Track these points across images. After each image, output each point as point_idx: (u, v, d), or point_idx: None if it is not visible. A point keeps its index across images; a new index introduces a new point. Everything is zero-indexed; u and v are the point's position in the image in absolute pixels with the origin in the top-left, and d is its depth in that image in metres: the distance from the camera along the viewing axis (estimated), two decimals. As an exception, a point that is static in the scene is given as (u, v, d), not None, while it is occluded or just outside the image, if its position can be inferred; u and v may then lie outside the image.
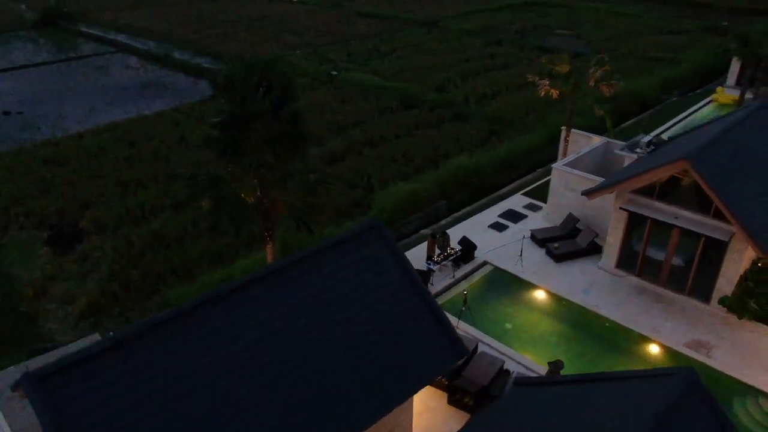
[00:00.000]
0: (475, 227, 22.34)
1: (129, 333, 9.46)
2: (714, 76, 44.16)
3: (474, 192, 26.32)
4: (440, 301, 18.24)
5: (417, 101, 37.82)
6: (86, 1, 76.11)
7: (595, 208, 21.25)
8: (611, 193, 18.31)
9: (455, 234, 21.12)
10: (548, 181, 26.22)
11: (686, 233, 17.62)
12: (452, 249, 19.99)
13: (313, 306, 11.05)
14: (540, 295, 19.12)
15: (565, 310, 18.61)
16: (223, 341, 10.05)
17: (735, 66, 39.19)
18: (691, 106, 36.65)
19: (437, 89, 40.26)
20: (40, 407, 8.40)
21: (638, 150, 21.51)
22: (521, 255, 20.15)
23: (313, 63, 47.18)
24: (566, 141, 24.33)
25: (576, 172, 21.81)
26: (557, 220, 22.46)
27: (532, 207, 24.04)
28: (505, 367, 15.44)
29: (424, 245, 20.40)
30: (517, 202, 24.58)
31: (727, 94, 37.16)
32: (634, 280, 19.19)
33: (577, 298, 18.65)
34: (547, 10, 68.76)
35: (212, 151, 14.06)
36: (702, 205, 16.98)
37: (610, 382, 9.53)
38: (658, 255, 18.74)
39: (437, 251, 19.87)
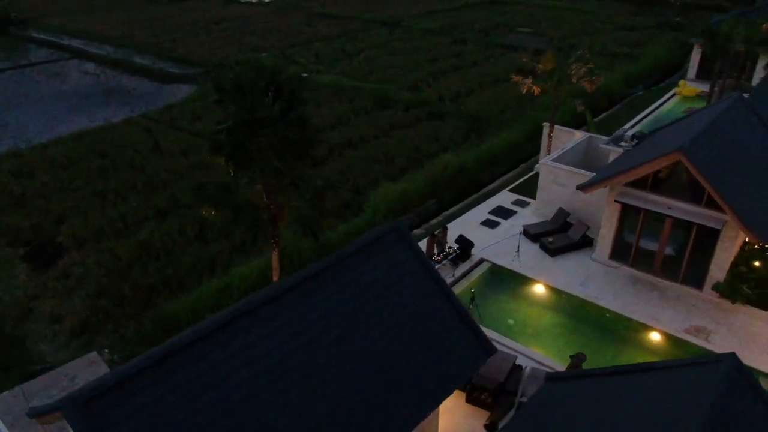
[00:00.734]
0: (467, 225, 22.48)
1: (165, 351, 9.09)
2: (673, 70, 45.88)
3: (461, 190, 26.50)
4: (444, 300, 18.27)
5: (391, 101, 37.86)
6: (35, 7, 73.05)
7: (584, 201, 21.72)
8: (606, 186, 18.71)
9: (451, 233, 21.21)
10: (532, 177, 26.75)
11: (678, 223, 18.21)
12: (450, 247, 20.08)
13: (343, 313, 10.89)
14: (539, 289, 19.41)
15: (564, 302, 18.95)
16: (259, 354, 9.78)
17: (695, 60, 40.82)
18: (656, 99, 37.96)
19: (410, 89, 40.38)
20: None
21: (623, 144, 22.09)
22: (518, 251, 20.41)
23: (281, 65, 46.56)
24: (550, 137, 24.77)
25: (564, 167, 22.25)
26: (547, 215, 22.85)
27: (520, 203, 24.38)
28: (516, 362, 15.61)
29: (421, 245, 20.42)
30: (504, 198, 24.88)
31: (689, 87, 38.68)
32: (628, 270, 19.70)
33: (576, 291, 19.02)
34: (505, 8, 69.94)
35: (219, 157, 13.65)
36: (694, 195, 17.57)
37: (650, 372, 9.73)
38: (650, 245, 19.29)
39: (435, 250, 19.93)
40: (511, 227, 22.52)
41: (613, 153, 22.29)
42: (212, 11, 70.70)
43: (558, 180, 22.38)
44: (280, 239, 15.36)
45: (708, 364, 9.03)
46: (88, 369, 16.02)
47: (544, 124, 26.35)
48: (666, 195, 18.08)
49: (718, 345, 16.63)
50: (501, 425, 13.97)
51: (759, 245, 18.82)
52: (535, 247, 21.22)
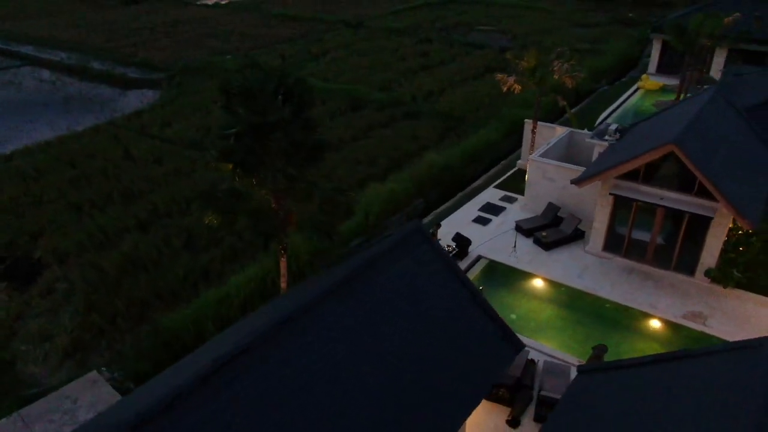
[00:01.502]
0: (459, 223, 22.60)
1: (211, 367, 8.74)
2: (633, 65, 47.39)
3: (447, 188, 26.63)
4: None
5: (364, 102, 37.72)
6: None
7: (574, 195, 22.18)
8: (601, 179, 19.13)
9: (444, 231, 21.30)
10: (515, 173, 27.17)
11: (670, 213, 18.80)
12: (449, 246, 20.14)
13: (379, 317, 10.77)
14: (538, 283, 19.70)
15: (564, 295, 19.29)
16: (303, 363, 9.55)
17: (655, 54, 42.33)
18: (621, 93, 39.14)
19: (381, 89, 40.33)
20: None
21: (607, 137, 22.65)
22: (515, 246, 20.66)
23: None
24: (533, 133, 25.17)
25: (553, 162, 22.65)
26: (536, 209, 23.20)
27: (507, 199, 24.68)
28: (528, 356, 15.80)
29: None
30: (491, 195, 25.14)
31: (651, 80, 40.06)
32: (621, 261, 20.21)
33: (574, 283, 19.39)
34: (464, 7, 70.64)
35: (226, 164, 13.26)
36: (685, 185, 18.16)
37: (687, 360, 9.98)
38: (643, 236, 19.84)
39: (435, 250, 19.95)
40: (502, 223, 22.79)
41: (598, 147, 22.85)
42: (167, 14, 68.83)
43: (546, 175, 22.76)
44: (288, 245, 15.05)
45: (746, 349, 9.30)
46: (91, 389, 15.41)
47: (526, 120, 26.75)
48: (658, 186, 18.63)
49: (716, 328, 17.25)
50: (522, 419, 14.17)
51: (743, 231, 19.65)
52: (529, 242, 21.52)
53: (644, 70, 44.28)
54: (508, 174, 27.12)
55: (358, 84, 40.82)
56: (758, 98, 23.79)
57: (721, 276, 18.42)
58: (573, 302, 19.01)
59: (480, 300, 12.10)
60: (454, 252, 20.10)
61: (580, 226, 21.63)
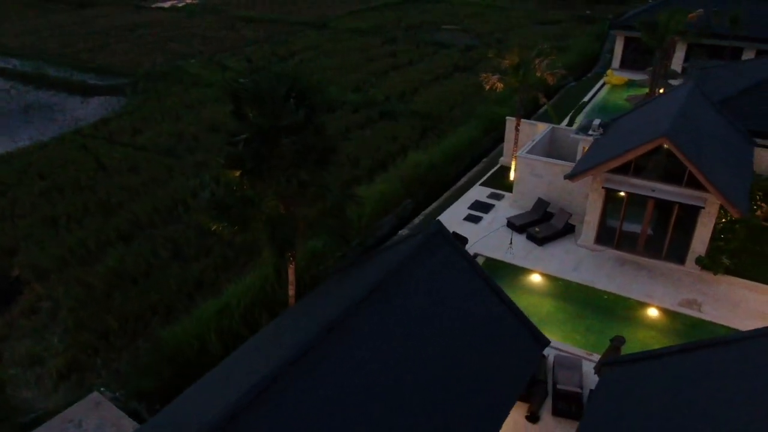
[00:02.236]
0: (450, 222, 22.59)
1: (263, 382, 8.45)
2: (596, 61, 48.62)
3: (432, 188, 26.69)
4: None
5: (338, 103, 37.44)
6: None
7: (561, 190, 22.60)
8: (594, 174, 19.51)
9: (439, 231, 21.35)
10: (499, 170, 27.48)
11: (660, 204, 19.34)
12: (447, 246, 20.17)
13: (414, 322, 10.68)
14: (536, 278, 19.95)
15: (562, 289, 19.60)
16: (348, 370, 9.38)
17: (618, 50, 43.55)
18: (588, 89, 40.16)
19: (354, 90, 40.14)
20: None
21: (591, 132, 23.13)
22: (511, 243, 20.87)
23: (215, 72, 44.80)
24: (517, 130, 25.48)
25: (540, 158, 23.01)
26: (525, 206, 23.50)
27: (495, 196, 24.92)
28: (537, 351, 15.96)
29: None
30: (478, 193, 25.34)
31: (616, 76, 41.22)
32: (613, 252, 20.68)
33: (571, 276, 19.73)
34: (426, 6, 71.13)
35: (235, 171, 12.91)
36: (675, 176, 18.71)
37: (718, 347, 10.25)
38: (633, 227, 20.36)
39: (433, 250, 19.97)
40: (493, 220, 23.01)
41: (583, 142, 23.31)
42: (122, 18, 66.72)
43: (534, 171, 23.09)
44: (296, 252, 14.77)
45: (774, 334, 9.61)
46: (95, 411, 14.81)
47: (508, 118, 27.08)
48: (648, 178, 19.13)
49: (711, 314, 17.85)
50: (540, 413, 14.30)
51: (727, 219, 20.38)
52: (522, 238, 21.78)
53: (606, 66, 45.56)
54: (492, 171, 27.39)
55: (330, 85, 40.48)
56: (728, 91, 24.75)
57: (711, 263, 19.06)
58: (571, 295, 19.32)
59: (505, 298, 12.15)
60: (451, 251, 20.12)
61: (570, 221, 22.00)
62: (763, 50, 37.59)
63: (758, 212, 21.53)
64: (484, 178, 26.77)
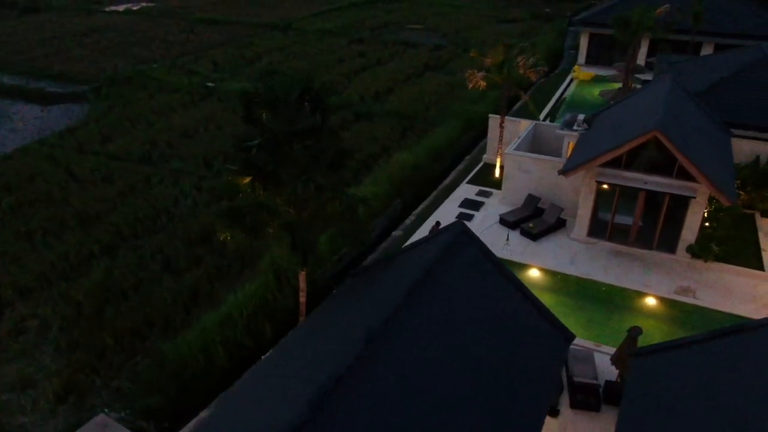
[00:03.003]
0: (443, 221, 22.54)
1: (317, 397, 8.19)
2: (560, 57, 49.69)
3: (419, 188, 26.69)
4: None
5: (313, 105, 37.00)
6: None
7: (550, 186, 22.93)
8: (587, 168, 19.85)
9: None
10: (483, 168, 27.69)
11: (651, 195, 19.84)
12: (445, 245, 20.18)
13: (449, 326, 10.60)
14: (534, 273, 20.17)
15: (561, 282, 19.87)
16: (396, 378, 9.21)
17: (583, 46, 44.60)
18: (558, 85, 40.97)
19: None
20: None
21: (576, 127, 23.56)
22: (507, 239, 21.04)
23: (180, 76, 43.68)
24: (501, 127, 25.72)
25: (529, 155, 23.30)
26: (514, 202, 23.73)
27: (483, 194, 25.10)
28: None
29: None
30: (466, 191, 25.46)
31: (584, 71, 42.21)
32: (606, 245, 21.11)
33: (568, 270, 20.04)
34: (389, 6, 71.23)
35: (249, 176, 12.55)
36: (665, 168, 19.22)
37: (745, 333, 10.55)
38: (624, 219, 20.83)
39: (432, 249, 19.95)
40: (485, 218, 23.16)
41: (568, 137, 23.71)
42: (75, 23, 64.18)
43: (523, 167, 23.35)
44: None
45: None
46: (103, 434, 14.05)
47: (491, 115, 27.33)
48: (639, 171, 19.59)
49: (706, 300, 18.44)
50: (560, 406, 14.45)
51: (711, 208, 21.11)
52: (516, 233, 21.99)
53: (571, 62, 46.64)
54: (477, 169, 27.58)
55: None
56: (701, 84, 25.63)
57: (701, 251, 19.67)
58: (570, 288, 19.61)
59: (530, 295, 12.20)
60: (450, 250, 20.14)
61: (561, 215, 22.34)
62: (720, 44, 39.21)
63: (738, 200, 22.34)
64: (470, 175, 26.92)
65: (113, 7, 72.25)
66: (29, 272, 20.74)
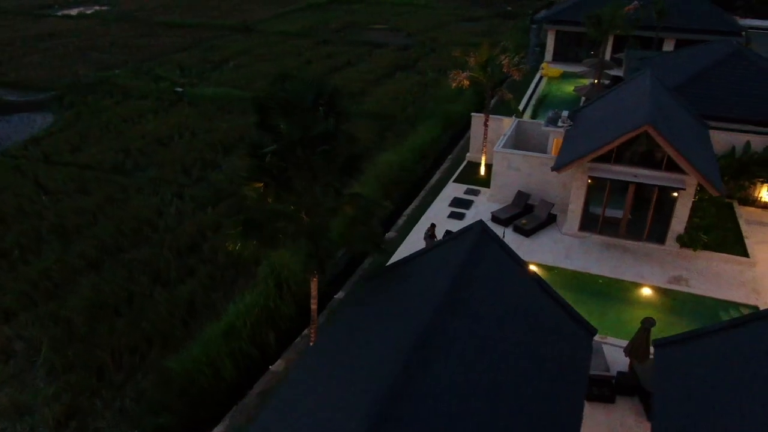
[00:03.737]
0: (436, 220, 22.68)
1: (378, 408, 8.06)
2: (525, 55, 50.47)
3: (407, 188, 26.64)
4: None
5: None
6: None
7: (539, 182, 23.26)
8: (582, 163, 20.18)
9: (438, 230, 21.33)
10: (467, 166, 27.87)
11: (640, 188, 20.35)
12: (444, 245, 20.20)
13: (484, 328, 10.58)
14: (531, 269, 20.35)
15: (558, 277, 20.14)
16: (445, 387, 9.12)
17: (550, 44, 45.45)
18: (528, 81, 41.57)
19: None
20: None
21: (561, 124, 23.96)
22: (503, 236, 21.14)
23: (146, 82, 42.41)
24: (485, 126, 25.94)
25: (517, 152, 23.56)
26: (504, 199, 23.96)
27: (472, 192, 25.26)
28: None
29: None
30: (454, 190, 25.58)
31: (551, 68, 43.06)
32: (597, 238, 21.54)
33: (564, 264, 20.36)
34: (350, 7, 71.00)
35: (262, 182, 12.23)
36: (654, 161, 19.74)
37: (763, 321, 10.89)
38: (614, 212, 21.29)
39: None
40: (476, 215, 23.23)
41: (553, 134, 24.10)
42: (25, 27, 61.44)
43: (512, 165, 23.60)
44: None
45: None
46: (115, 457, 13.50)
47: (474, 114, 27.53)
48: (629, 165, 20.06)
49: (698, 288, 19.05)
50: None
51: (695, 198, 21.77)
52: (509, 230, 22.18)
53: (537, 59, 47.47)
54: (461, 168, 27.73)
55: (275, 90, 39.38)
56: (675, 79, 26.43)
57: (690, 240, 20.29)
58: (568, 282, 19.88)
59: (553, 293, 12.30)
60: (448, 250, 20.17)
61: (551, 211, 22.68)
62: (681, 39, 40.63)
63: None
64: (456, 174, 27.04)
65: (66, 11, 69.58)
66: (10, 293, 19.71)
